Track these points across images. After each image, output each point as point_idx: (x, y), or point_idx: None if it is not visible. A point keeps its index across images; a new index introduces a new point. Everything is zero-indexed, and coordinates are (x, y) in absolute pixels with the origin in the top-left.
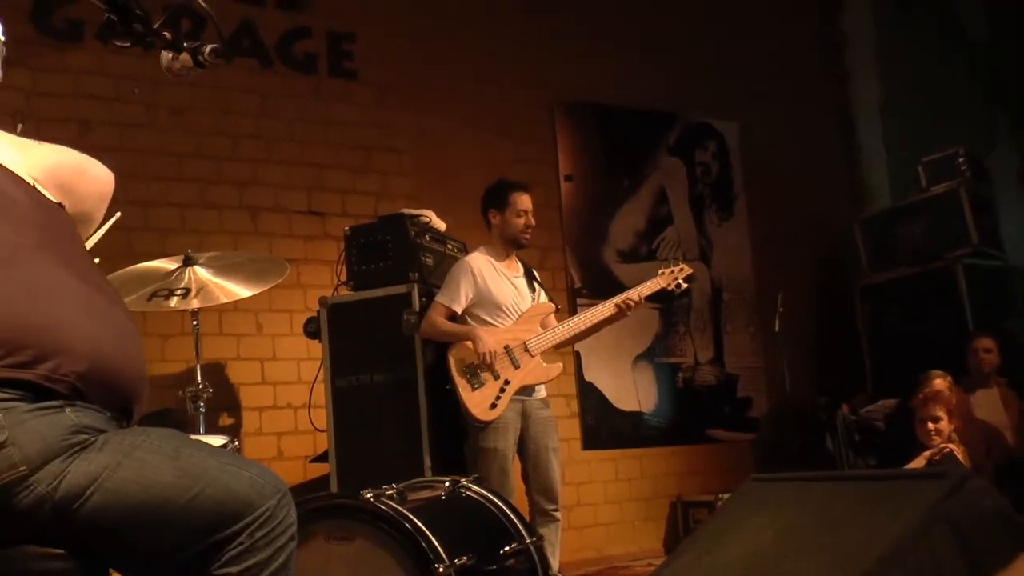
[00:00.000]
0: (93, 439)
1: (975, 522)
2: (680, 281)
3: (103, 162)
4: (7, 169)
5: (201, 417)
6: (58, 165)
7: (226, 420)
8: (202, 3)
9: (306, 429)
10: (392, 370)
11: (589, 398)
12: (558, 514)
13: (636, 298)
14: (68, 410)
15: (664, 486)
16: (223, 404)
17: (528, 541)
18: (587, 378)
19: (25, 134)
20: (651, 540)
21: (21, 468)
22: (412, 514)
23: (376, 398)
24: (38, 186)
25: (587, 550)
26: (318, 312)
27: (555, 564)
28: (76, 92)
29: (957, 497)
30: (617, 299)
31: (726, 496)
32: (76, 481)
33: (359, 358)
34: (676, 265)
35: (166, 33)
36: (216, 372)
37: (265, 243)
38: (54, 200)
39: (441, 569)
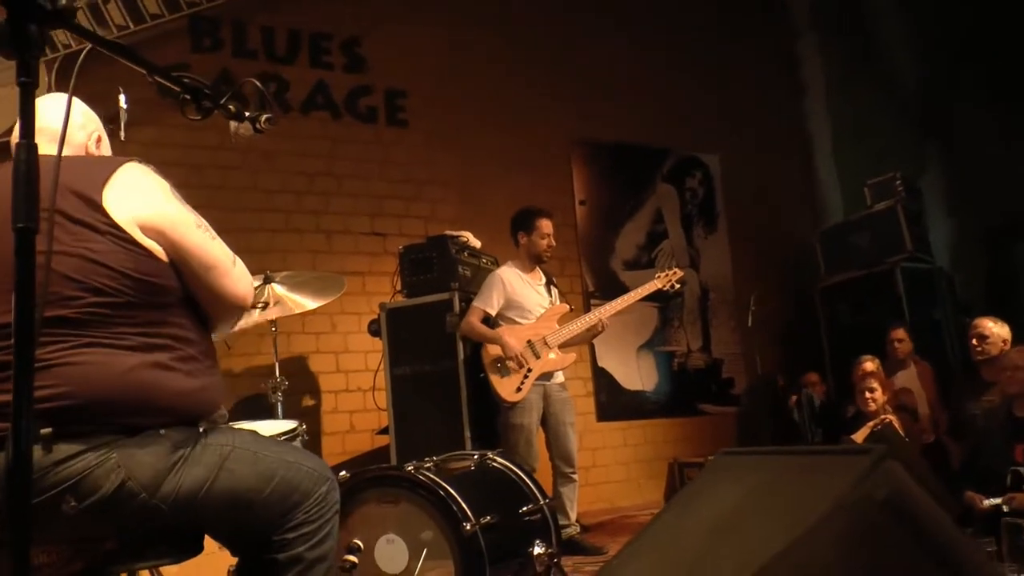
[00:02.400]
0: (190, 451)
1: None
2: (674, 282)
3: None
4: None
5: (279, 404)
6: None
7: (308, 401)
8: (257, 84)
9: (372, 408)
10: (438, 362)
11: (602, 380)
12: (575, 476)
13: (607, 318)
14: (163, 431)
15: (664, 450)
16: (306, 388)
17: (543, 503)
18: (600, 364)
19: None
20: (653, 494)
21: (143, 495)
22: (445, 482)
23: (426, 384)
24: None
25: (601, 502)
26: (379, 315)
27: (573, 515)
28: (189, 143)
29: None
30: (594, 315)
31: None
32: (185, 490)
33: (412, 352)
34: (670, 270)
35: (231, 107)
36: (300, 363)
37: (338, 260)
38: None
39: (468, 527)
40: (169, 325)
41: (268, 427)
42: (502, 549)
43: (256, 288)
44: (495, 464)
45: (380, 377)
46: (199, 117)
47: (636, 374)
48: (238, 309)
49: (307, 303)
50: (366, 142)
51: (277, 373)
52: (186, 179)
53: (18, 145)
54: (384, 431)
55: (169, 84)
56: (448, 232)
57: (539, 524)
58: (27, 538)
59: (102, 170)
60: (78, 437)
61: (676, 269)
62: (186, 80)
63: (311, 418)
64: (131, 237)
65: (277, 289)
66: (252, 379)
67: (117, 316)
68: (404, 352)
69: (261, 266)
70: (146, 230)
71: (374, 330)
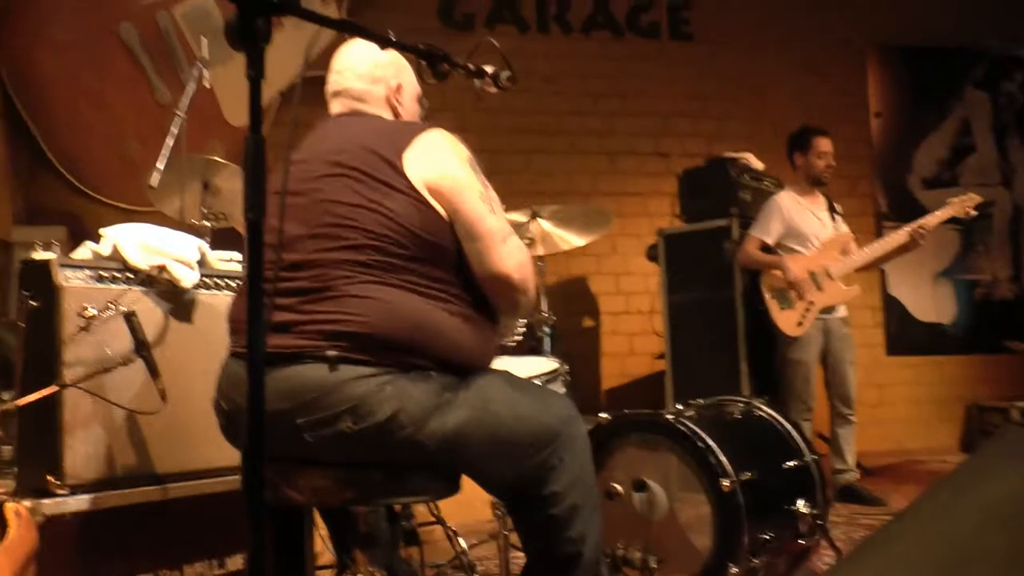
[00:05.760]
0: (455, 396)
1: None
2: (969, 209)
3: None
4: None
5: (546, 339)
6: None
7: (588, 323)
8: (494, 42)
9: (651, 332)
10: (715, 290)
11: (893, 309)
12: (853, 417)
13: (928, 227)
14: (433, 374)
15: (961, 391)
16: (585, 309)
17: (808, 458)
18: (891, 292)
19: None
20: (947, 439)
21: (410, 428)
22: (707, 433)
23: (703, 312)
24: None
25: (887, 443)
26: (656, 241)
27: (851, 460)
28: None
29: None
30: (910, 227)
31: (1020, 403)
32: (449, 429)
33: (689, 279)
34: (965, 194)
35: (471, 66)
36: (580, 284)
37: (619, 180)
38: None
39: (727, 483)
40: (455, 283)
41: (532, 366)
42: (763, 506)
43: (523, 225)
44: (762, 413)
45: (659, 301)
46: (436, 80)
47: (931, 304)
48: (505, 287)
49: (573, 239)
50: (649, 59)
51: (544, 308)
52: (469, 104)
53: (247, 138)
54: (662, 356)
55: (404, 52)
56: (728, 154)
57: (804, 481)
58: (262, 447)
59: (404, 135)
60: (360, 364)
61: (972, 194)
62: (420, 47)
63: (591, 339)
64: (425, 199)
65: (544, 225)
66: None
67: (408, 266)
68: (682, 279)
69: (540, 187)
70: (431, 191)
71: (652, 256)
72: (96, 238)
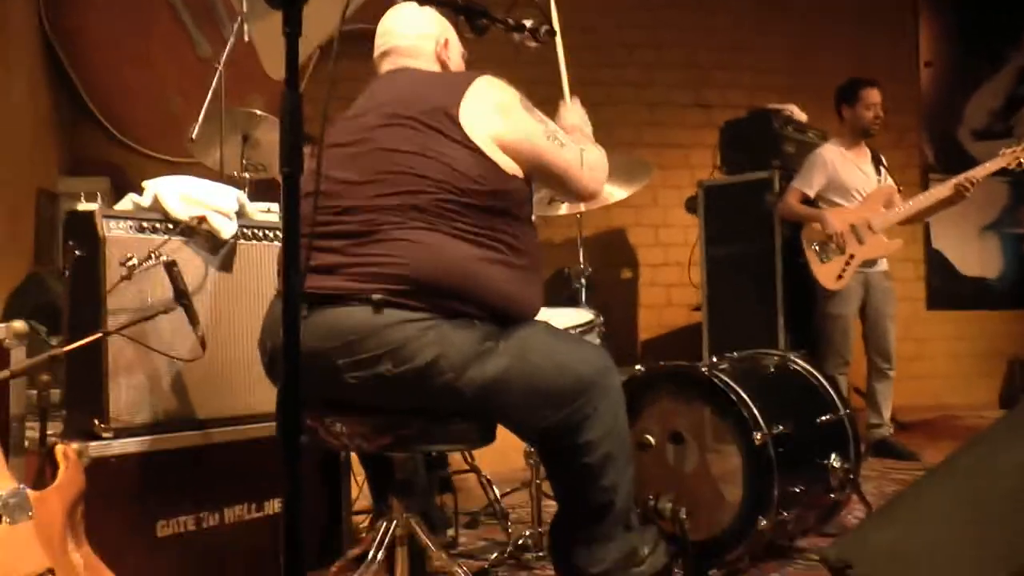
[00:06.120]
0: (496, 345)
1: None
2: (1022, 160)
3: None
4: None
5: (582, 291)
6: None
7: (626, 274)
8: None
9: (689, 283)
10: (755, 242)
11: (935, 263)
12: (891, 372)
13: (975, 179)
14: (477, 322)
15: (1003, 346)
16: (624, 261)
17: (842, 412)
18: (934, 246)
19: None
20: (987, 394)
21: (450, 374)
22: (740, 387)
23: (742, 265)
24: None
25: (924, 397)
26: (696, 192)
27: (886, 414)
28: None
29: None
30: (956, 180)
31: None
32: (488, 377)
33: (729, 232)
34: (1019, 145)
35: (510, 20)
36: (619, 235)
37: (660, 132)
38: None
39: (759, 436)
40: (505, 233)
41: (568, 317)
42: (794, 460)
43: None
44: (796, 367)
45: (698, 252)
46: (474, 35)
47: (976, 258)
48: (592, 200)
49: (615, 192)
50: (688, 8)
51: (582, 259)
52: (507, 56)
53: (283, 94)
54: (699, 309)
55: (442, 7)
56: (771, 105)
57: (838, 435)
58: (297, 385)
59: (457, 87)
60: (404, 308)
61: None
62: (460, 2)
63: (629, 290)
64: (480, 149)
65: None
66: (568, 253)
67: (460, 213)
68: (721, 231)
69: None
70: (504, 147)
71: (691, 207)
72: (139, 190)
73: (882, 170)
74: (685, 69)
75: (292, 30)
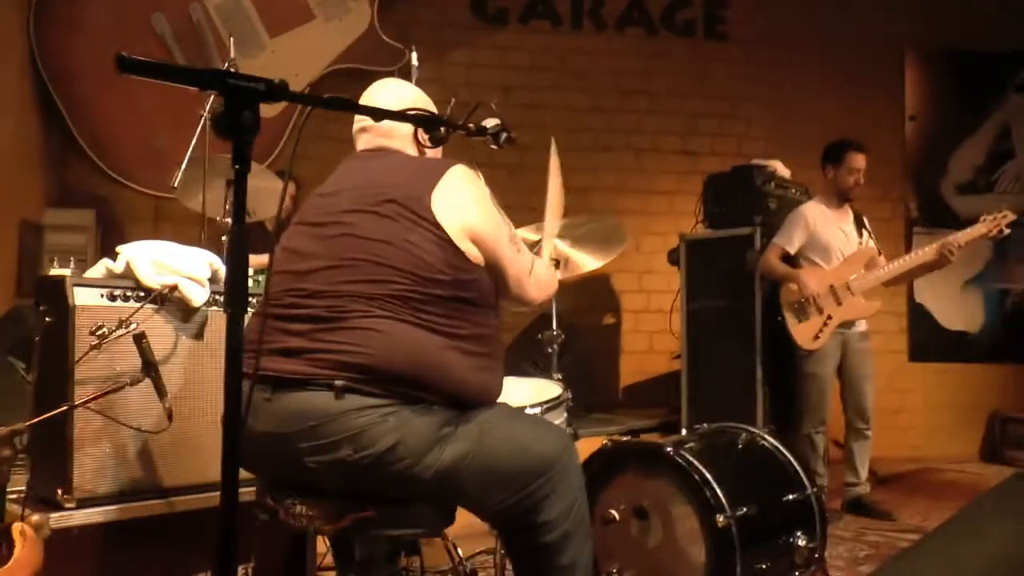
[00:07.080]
0: (454, 430)
1: None
2: (1003, 227)
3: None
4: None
5: (554, 357)
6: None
7: (609, 319)
8: (493, 106)
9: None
10: (735, 298)
11: (918, 316)
12: (869, 432)
13: (959, 244)
14: (437, 407)
15: (984, 399)
16: (607, 306)
17: (809, 491)
18: (917, 299)
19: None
20: (967, 447)
21: (408, 460)
22: (705, 464)
23: (722, 320)
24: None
25: (905, 449)
26: (678, 245)
27: (863, 474)
28: (501, 63)
29: None
30: (939, 244)
31: None
32: (445, 462)
33: (709, 286)
34: (999, 212)
35: (471, 125)
36: (602, 281)
37: (645, 178)
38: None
39: (722, 519)
40: (467, 321)
41: (535, 391)
42: (759, 538)
43: (535, 245)
44: (765, 443)
45: (680, 300)
46: (432, 146)
47: (959, 312)
48: (531, 304)
49: (588, 262)
50: (682, 58)
51: (555, 325)
52: (500, 100)
53: (230, 231)
54: (679, 357)
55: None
56: (756, 161)
57: (804, 514)
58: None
59: (430, 174)
60: (366, 394)
61: (1007, 211)
62: (415, 115)
63: (611, 336)
64: (449, 238)
65: (560, 246)
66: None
67: (424, 303)
68: (702, 285)
69: (567, 184)
70: (474, 239)
71: (673, 260)
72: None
73: (864, 232)
74: (674, 116)
75: (241, 167)
